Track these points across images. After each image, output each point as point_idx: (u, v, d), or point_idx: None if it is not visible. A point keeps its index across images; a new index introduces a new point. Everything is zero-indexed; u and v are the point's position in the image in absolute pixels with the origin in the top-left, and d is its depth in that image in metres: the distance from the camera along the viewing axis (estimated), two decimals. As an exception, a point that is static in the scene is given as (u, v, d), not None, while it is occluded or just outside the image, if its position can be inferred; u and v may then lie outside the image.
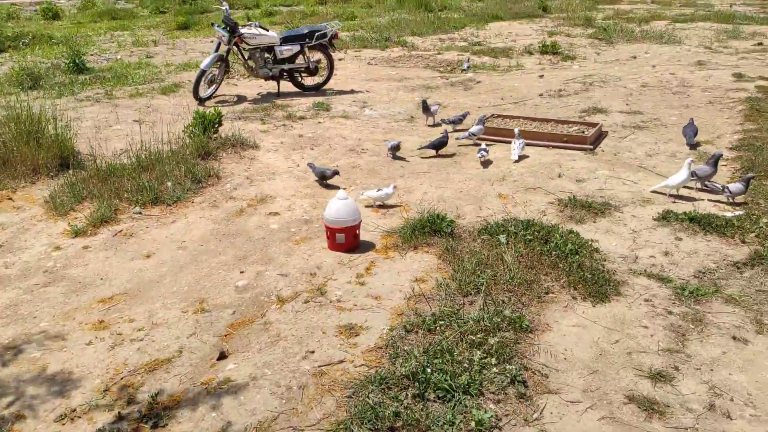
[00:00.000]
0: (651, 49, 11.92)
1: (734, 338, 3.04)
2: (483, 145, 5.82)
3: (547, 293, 3.44)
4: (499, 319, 3.11)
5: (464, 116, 6.74)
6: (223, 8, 8.57)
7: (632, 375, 2.81)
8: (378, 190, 4.72)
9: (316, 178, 5.29)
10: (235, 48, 8.40)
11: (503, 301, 3.31)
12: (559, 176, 5.31)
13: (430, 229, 4.17)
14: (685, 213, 4.34)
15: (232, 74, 9.77)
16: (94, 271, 3.89)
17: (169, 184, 5.11)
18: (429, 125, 7.05)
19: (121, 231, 4.41)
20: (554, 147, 6.06)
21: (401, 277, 3.71)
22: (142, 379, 2.89)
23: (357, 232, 4.09)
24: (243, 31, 8.17)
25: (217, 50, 8.38)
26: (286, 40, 8.47)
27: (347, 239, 4.04)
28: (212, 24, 8.79)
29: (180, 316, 3.40)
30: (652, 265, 3.77)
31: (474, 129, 6.17)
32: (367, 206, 4.75)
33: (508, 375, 2.72)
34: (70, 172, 5.35)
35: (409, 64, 10.96)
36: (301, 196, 5.04)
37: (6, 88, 8.42)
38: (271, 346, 3.10)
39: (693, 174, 4.73)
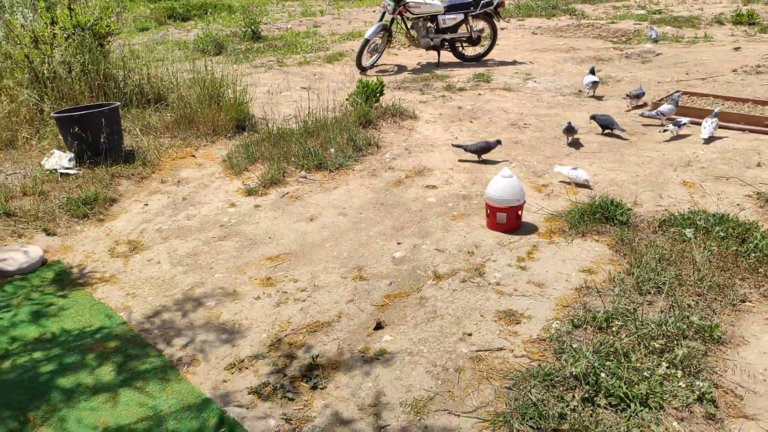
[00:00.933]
0: None
1: None
2: (685, 120, 5.29)
3: (743, 301, 2.99)
4: (685, 326, 2.75)
5: (643, 92, 6.16)
6: (391, -24, 8.55)
7: None
8: (574, 168, 4.44)
9: (469, 154, 5.07)
10: (399, 17, 8.37)
11: (689, 306, 2.92)
12: (758, 165, 4.61)
13: (601, 216, 3.82)
14: None
15: (393, 44, 9.79)
16: (264, 229, 4.09)
17: (332, 150, 5.22)
18: (590, 96, 6.72)
19: (288, 193, 4.59)
20: (752, 131, 5.28)
21: (567, 265, 3.44)
22: (303, 339, 2.97)
23: (519, 213, 3.86)
24: (408, 0, 8.10)
25: (381, 19, 8.42)
26: (450, 9, 8.26)
27: (509, 219, 3.83)
28: (379, -8, 8.82)
29: (339, 281, 3.45)
30: None
31: (664, 108, 5.54)
32: (561, 181, 4.52)
33: (695, 391, 2.39)
34: (245, 134, 5.68)
35: (578, 34, 10.23)
36: (458, 170, 4.90)
37: (193, 53, 9.20)
38: (427, 323, 3.03)
39: None
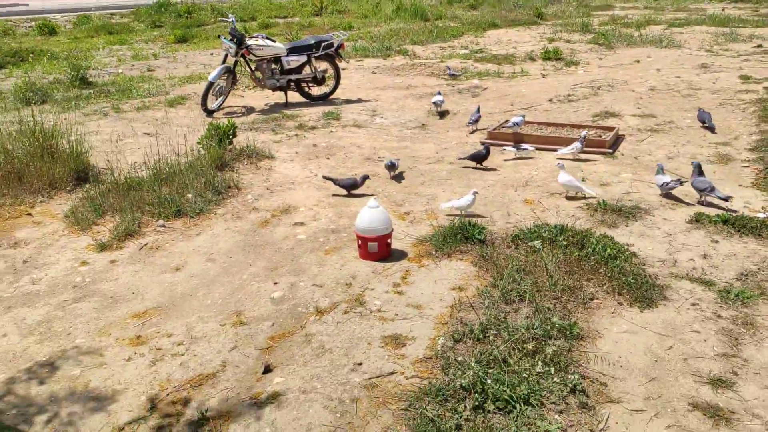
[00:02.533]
0: (652, 53, 11.98)
1: (789, 340, 3.00)
2: (525, 145, 5.96)
3: (591, 299, 3.39)
4: (549, 327, 3.05)
5: (478, 110, 7.15)
6: (230, 20, 8.55)
7: (691, 381, 2.76)
8: (460, 198, 4.62)
9: (339, 188, 5.20)
10: (242, 59, 8.37)
11: (549, 308, 3.25)
12: (583, 180, 5.27)
13: (462, 237, 4.11)
14: (718, 215, 4.31)
15: (238, 86, 9.72)
16: (125, 285, 3.81)
17: (190, 195, 5.04)
18: (437, 112, 7.78)
19: (146, 244, 4.33)
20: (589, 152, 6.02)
21: (439, 285, 3.65)
22: (188, 395, 2.81)
23: (389, 240, 4.03)
24: (250, 42, 8.15)
25: (224, 62, 8.35)
26: (292, 51, 8.44)
27: (380, 248, 3.98)
28: (219, 36, 8.77)
29: (218, 329, 3.32)
30: (692, 269, 3.73)
31: (516, 119, 6.39)
32: (448, 215, 4.64)
33: (568, 384, 2.66)
34: (88, 186, 5.26)
35: (413, 73, 10.95)
36: (324, 205, 4.98)
37: (12, 103, 8.33)
38: (316, 359, 3.02)
39: (694, 187, 4.66)
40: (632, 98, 8.25)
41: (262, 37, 8.33)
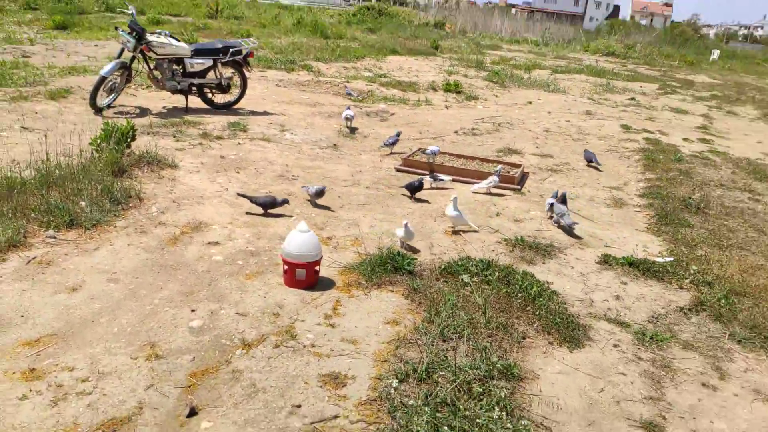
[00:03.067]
0: (542, 95, 12.84)
1: (704, 385, 3.21)
2: (442, 176, 6.05)
3: (524, 338, 3.43)
4: (490, 367, 3.02)
5: (398, 135, 7.21)
6: (130, 11, 7.89)
7: (626, 425, 2.85)
8: (404, 228, 4.37)
9: (254, 206, 4.89)
10: (140, 56, 7.73)
11: (486, 348, 3.23)
12: (497, 215, 5.42)
13: (391, 267, 4.01)
14: (624, 258, 4.59)
15: (132, 84, 8.97)
16: (11, 306, 3.25)
17: (84, 204, 4.48)
18: (348, 127, 8.04)
19: (35, 258, 3.75)
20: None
21: (372, 318, 3.51)
22: (99, 445, 2.41)
23: (317, 268, 3.83)
24: (151, 39, 7.56)
25: (119, 56, 7.65)
26: (197, 53, 7.96)
27: (308, 275, 3.76)
28: (116, 28, 8.06)
29: (130, 363, 2.92)
30: (608, 309, 3.91)
31: (433, 149, 6.56)
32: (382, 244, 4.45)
33: (521, 430, 2.62)
34: (-45, 184, 4.50)
35: (319, 90, 10.81)
36: (239, 224, 4.66)
37: None
38: (248, 400, 2.75)
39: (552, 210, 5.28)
40: (530, 137, 8.71)
41: (165, 35, 7.76)
